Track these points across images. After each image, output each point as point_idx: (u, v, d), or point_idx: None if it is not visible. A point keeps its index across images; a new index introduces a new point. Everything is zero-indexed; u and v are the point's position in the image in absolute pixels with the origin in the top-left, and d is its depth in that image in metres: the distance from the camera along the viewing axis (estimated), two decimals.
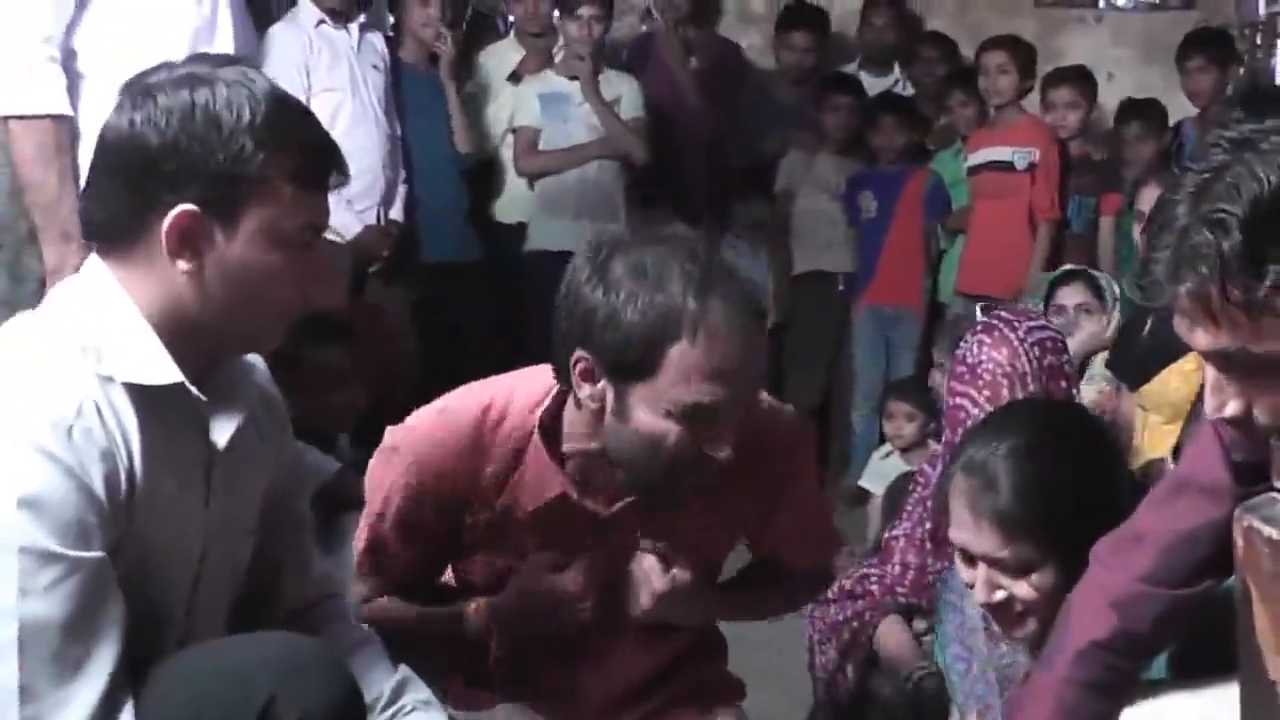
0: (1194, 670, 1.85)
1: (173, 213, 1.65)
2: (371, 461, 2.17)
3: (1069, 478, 2.06)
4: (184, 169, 1.65)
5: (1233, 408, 1.55)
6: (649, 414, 1.93)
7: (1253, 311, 1.44)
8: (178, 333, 1.69)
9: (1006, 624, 2.10)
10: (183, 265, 1.67)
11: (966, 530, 2.08)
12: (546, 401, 2.09)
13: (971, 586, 2.10)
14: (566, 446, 2.08)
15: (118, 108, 1.70)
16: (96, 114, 2.77)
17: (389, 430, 2.15)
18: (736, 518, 2.22)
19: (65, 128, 2.84)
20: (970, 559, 2.10)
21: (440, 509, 2.12)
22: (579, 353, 1.94)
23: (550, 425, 2.09)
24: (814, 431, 2.36)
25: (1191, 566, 1.81)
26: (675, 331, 1.88)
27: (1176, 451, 3.26)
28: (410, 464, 2.09)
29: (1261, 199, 1.42)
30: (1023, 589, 2.04)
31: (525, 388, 2.12)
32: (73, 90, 2.85)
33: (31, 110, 2.81)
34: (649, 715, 2.28)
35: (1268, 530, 1.24)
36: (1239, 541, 1.29)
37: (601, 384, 1.95)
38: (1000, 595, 2.06)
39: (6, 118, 2.85)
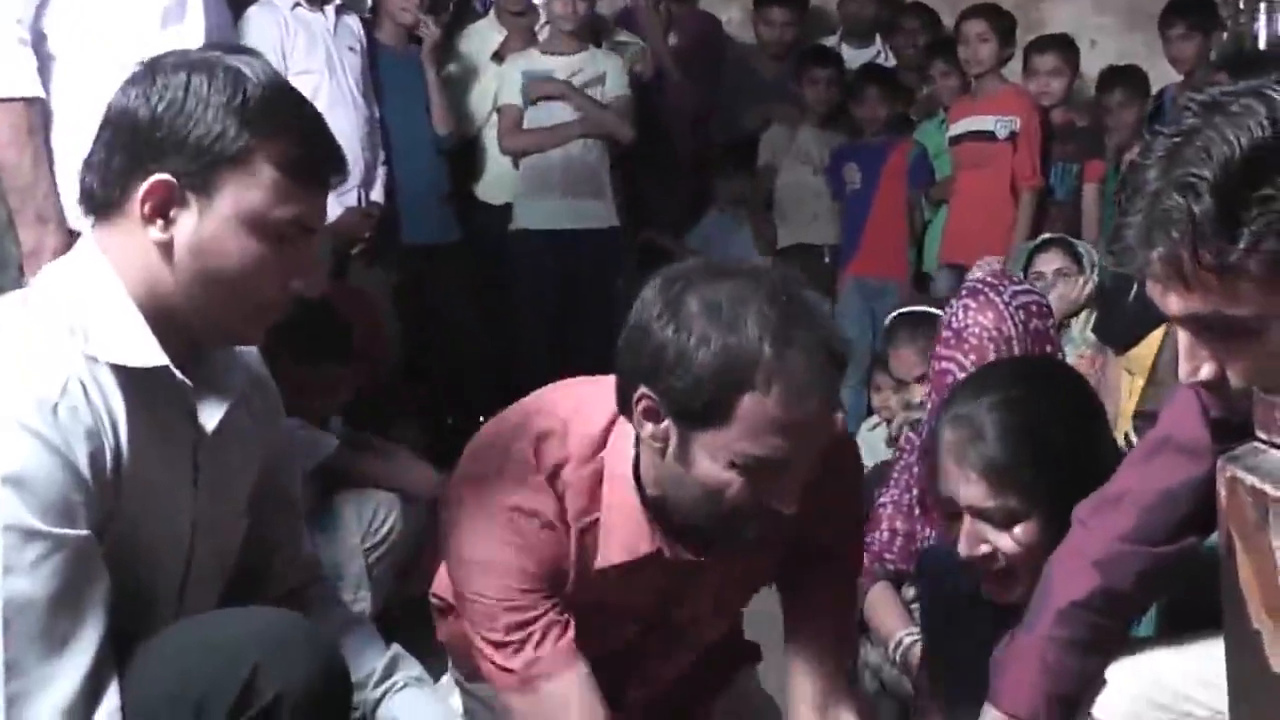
0: (1181, 627, 1.86)
1: (149, 180, 1.66)
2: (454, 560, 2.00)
3: (1055, 428, 2.07)
4: (166, 140, 1.66)
5: (1206, 371, 1.55)
6: (712, 463, 1.82)
7: (1226, 275, 1.44)
8: (159, 315, 1.70)
9: (992, 583, 2.11)
10: (155, 234, 1.68)
11: (954, 481, 2.09)
12: (627, 450, 1.94)
13: (956, 542, 2.11)
14: (650, 492, 1.94)
15: (124, 84, 1.72)
16: (67, 96, 2.78)
17: (450, 531, 1.99)
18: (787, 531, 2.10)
19: (38, 110, 2.80)
20: (956, 513, 2.10)
21: (553, 569, 1.95)
22: (643, 390, 1.83)
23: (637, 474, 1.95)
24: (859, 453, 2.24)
25: (1172, 525, 1.82)
26: (748, 381, 1.76)
27: (1138, 417, 3.26)
28: (513, 540, 1.92)
29: (1232, 162, 1.42)
30: (1006, 542, 2.05)
31: (578, 425, 1.98)
32: (44, 72, 2.81)
33: (4, 93, 2.78)
34: (674, 691, 2.27)
35: (1250, 479, 1.24)
36: (1222, 492, 1.29)
37: (665, 424, 1.83)
38: (984, 549, 2.07)
39: None
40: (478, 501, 1.94)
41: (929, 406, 2.98)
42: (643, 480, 1.94)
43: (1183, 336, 1.58)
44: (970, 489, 2.06)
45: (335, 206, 4.24)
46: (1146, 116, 5.30)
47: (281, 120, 1.70)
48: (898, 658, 2.74)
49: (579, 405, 2.01)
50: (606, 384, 1.93)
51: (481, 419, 2.25)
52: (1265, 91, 1.45)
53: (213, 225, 1.68)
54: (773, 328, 1.76)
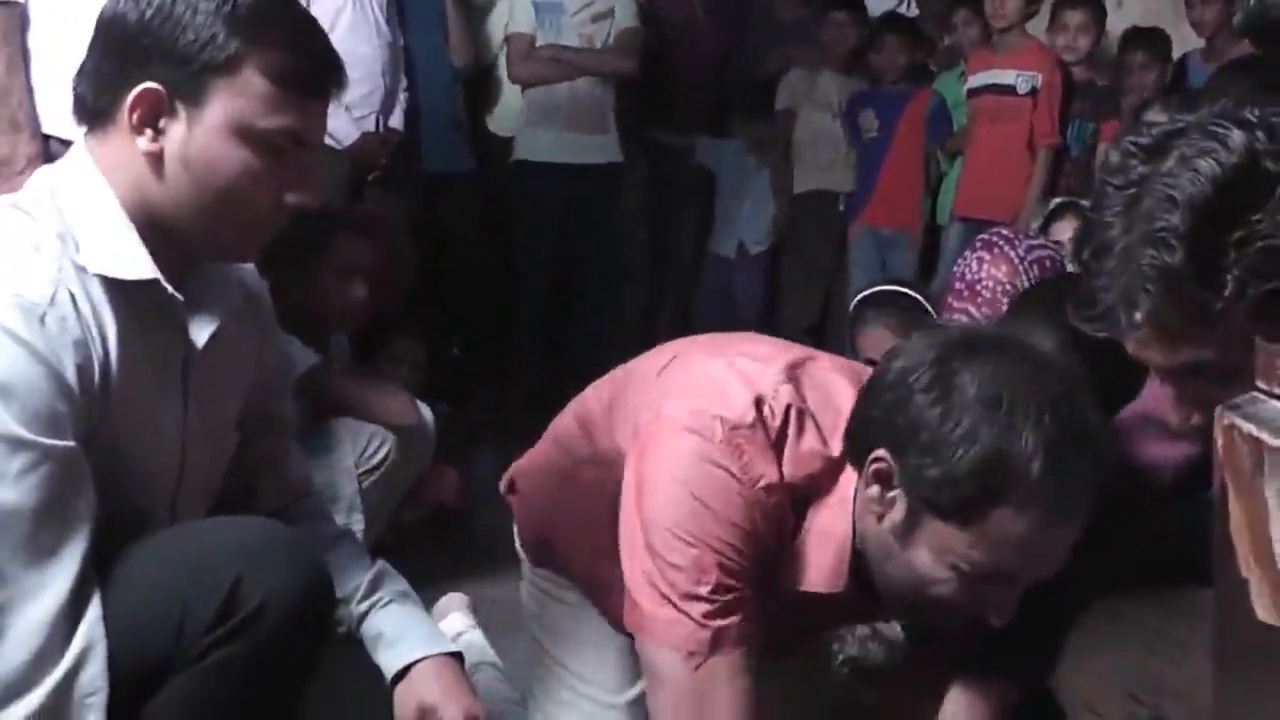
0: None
1: (137, 88, 1.62)
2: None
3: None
4: (155, 47, 1.62)
5: (1198, 418, 1.55)
6: (932, 556, 1.64)
7: (1211, 325, 1.42)
8: (152, 227, 1.66)
9: None
10: (144, 144, 1.64)
11: None
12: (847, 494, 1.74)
13: None
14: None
15: None
16: (46, 1, 2.71)
17: (675, 460, 1.74)
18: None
19: (14, 14, 2.73)
20: None
21: (772, 551, 1.77)
22: (882, 453, 1.65)
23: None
24: None
25: (1150, 493, 1.84)
26: (1007, 494, 1.57)
27: None
28: (757, 503, 1.72)
29: (1198, 208, 1.38)
30: None
31: (813, 434, 1.75)
32: None
33: None
34: None
35: (1248, 427, 1.20)
36: (1219, 440, 1.25)
37: (895, 494, 1.66)
38: None
39: None
40: (714, 451, 1.72)
41: None
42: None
43: (1169, 390, 1.56)
44: None
45: (353, 131, 4.21)
46: (1167, 82, 5.24)
47: (272, 27, 1.65)
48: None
49: (830, 397, 1.79)
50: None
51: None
52: (1211, 127, 1.41)
53: (202, 135, 1.64)
54: (1048, 443, 1.56)
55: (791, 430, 1.74)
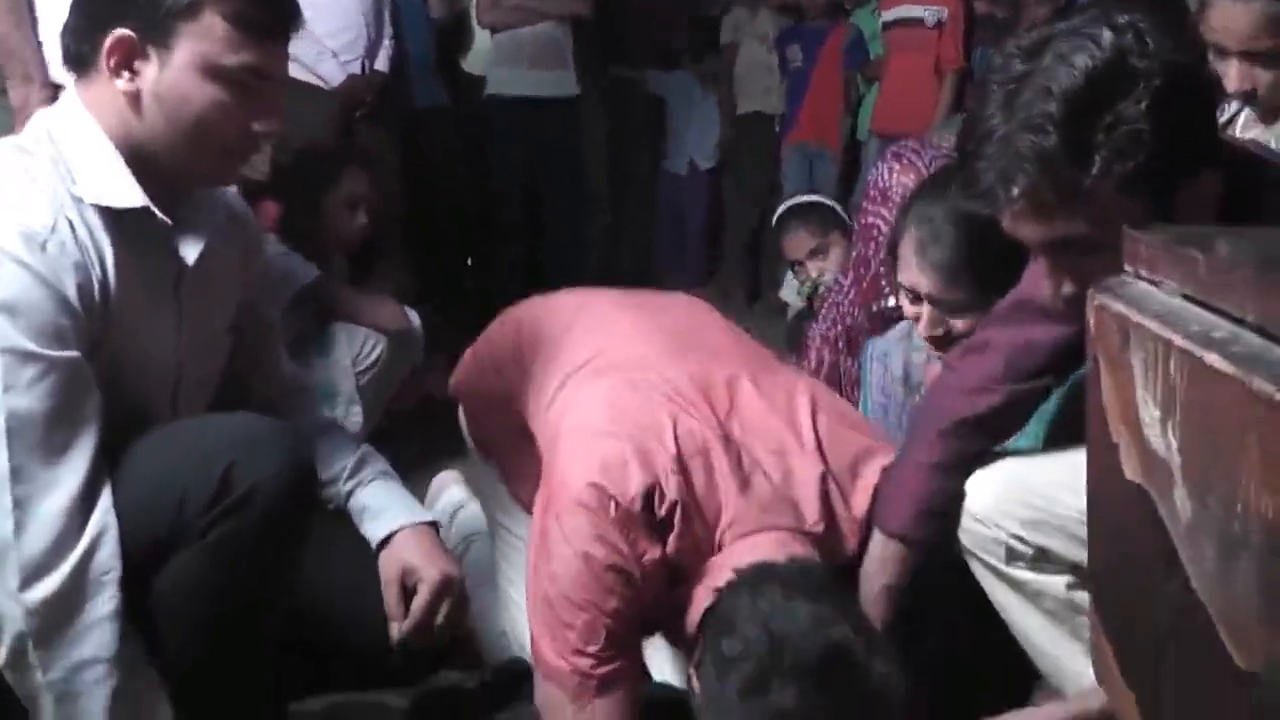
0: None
1: (112, 36, 1.59)
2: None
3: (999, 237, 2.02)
4: None
5: (1068, 288, 1.51)
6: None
7: (1081, 201, 1.40)
8: (137, 160, 1.63)
9: (946, 349, 2.10)
10: (122, 85, 1.61)
11: (914, 273, 2.09)
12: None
13: (917, 320, 2.14)
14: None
15: None
16: None
17: (569, 531, 1.67)
18: None
19: None
20: (917, 298, 2.11)
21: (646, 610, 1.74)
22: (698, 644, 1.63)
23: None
24: None
25: (1030, 370, 1.79)
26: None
27: None
28: (631, 572, 1.67)
29: (1072, 97, 1.38)
30: (959, 325, 2.07)
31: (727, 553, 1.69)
32: None
33: None
34: None
35: (1116, 306, 1.17)
36: (1091, 319, 1.23)
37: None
38: (940, 330, 2.10)
39: None
40: (607, 529, 1.66)
41: (855, 255, 2.92)
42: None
43: (1043, 263, 1.54)
44: (927, 280, 2.07)
45: (339, 74, 4.11)
46: (1060, 12, 5.18)
47: None
48: None
49: (713, 490, 1.71)
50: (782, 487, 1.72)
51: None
52: (1084, 30, 1.41)
53: (172, 74, 1.60)
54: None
55: (677, 522, 1.67)
